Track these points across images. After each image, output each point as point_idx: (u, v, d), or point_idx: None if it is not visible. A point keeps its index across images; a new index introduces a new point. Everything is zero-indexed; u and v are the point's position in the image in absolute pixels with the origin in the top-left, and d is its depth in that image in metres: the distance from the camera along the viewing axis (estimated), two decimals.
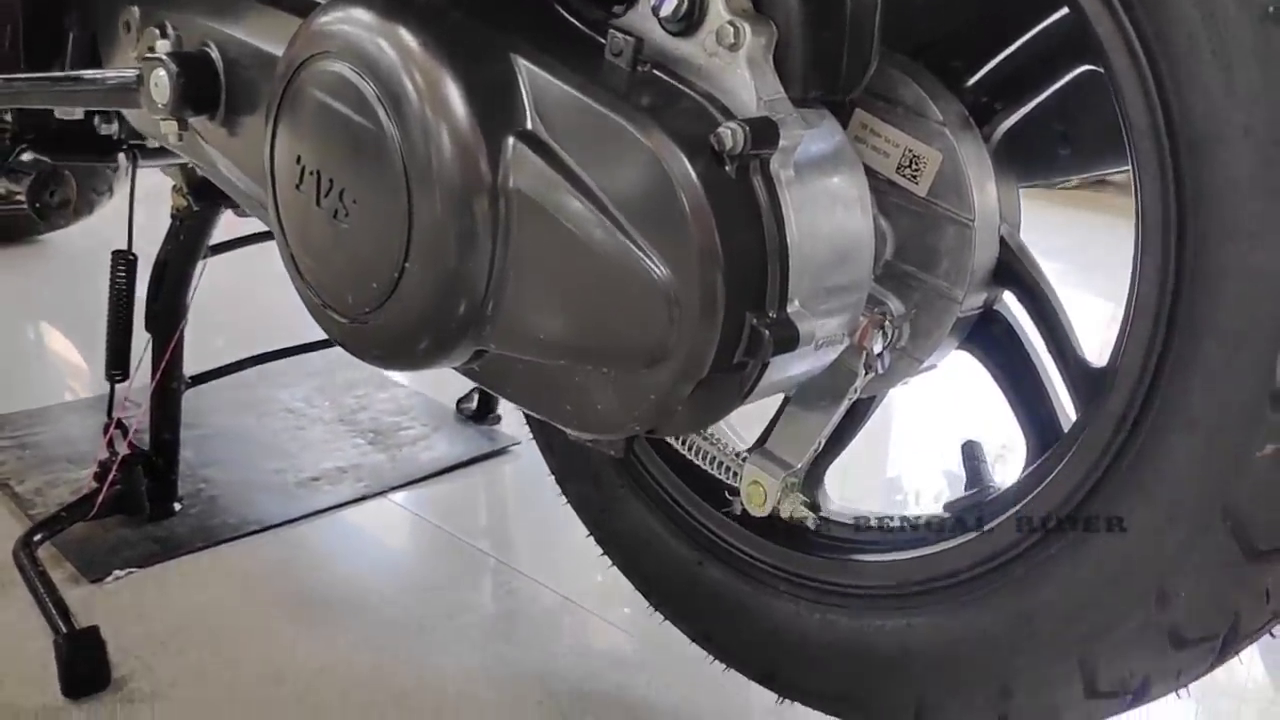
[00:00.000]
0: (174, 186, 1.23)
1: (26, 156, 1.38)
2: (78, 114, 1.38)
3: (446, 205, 0.69)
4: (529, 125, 0.69)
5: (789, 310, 0.68)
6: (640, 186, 0.66)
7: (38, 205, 1.21)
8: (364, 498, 1.44)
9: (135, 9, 0.98)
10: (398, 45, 0.71)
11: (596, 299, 0.69)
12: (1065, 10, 0.75)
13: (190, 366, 1.35)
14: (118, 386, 1.28)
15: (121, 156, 1.19)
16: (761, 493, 0.83)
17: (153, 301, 1.25)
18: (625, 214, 0.67)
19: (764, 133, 0.66)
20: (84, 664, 1.03)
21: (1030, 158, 0.92)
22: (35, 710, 1.00)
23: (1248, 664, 1.08)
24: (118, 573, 1.23)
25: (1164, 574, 0.68)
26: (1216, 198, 0.63)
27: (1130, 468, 0.70)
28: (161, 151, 1.19)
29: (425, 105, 0.68)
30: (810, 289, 0.70)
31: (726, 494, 0.90)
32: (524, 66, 0.71)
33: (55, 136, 1.37)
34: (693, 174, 0.65)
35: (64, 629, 1.03)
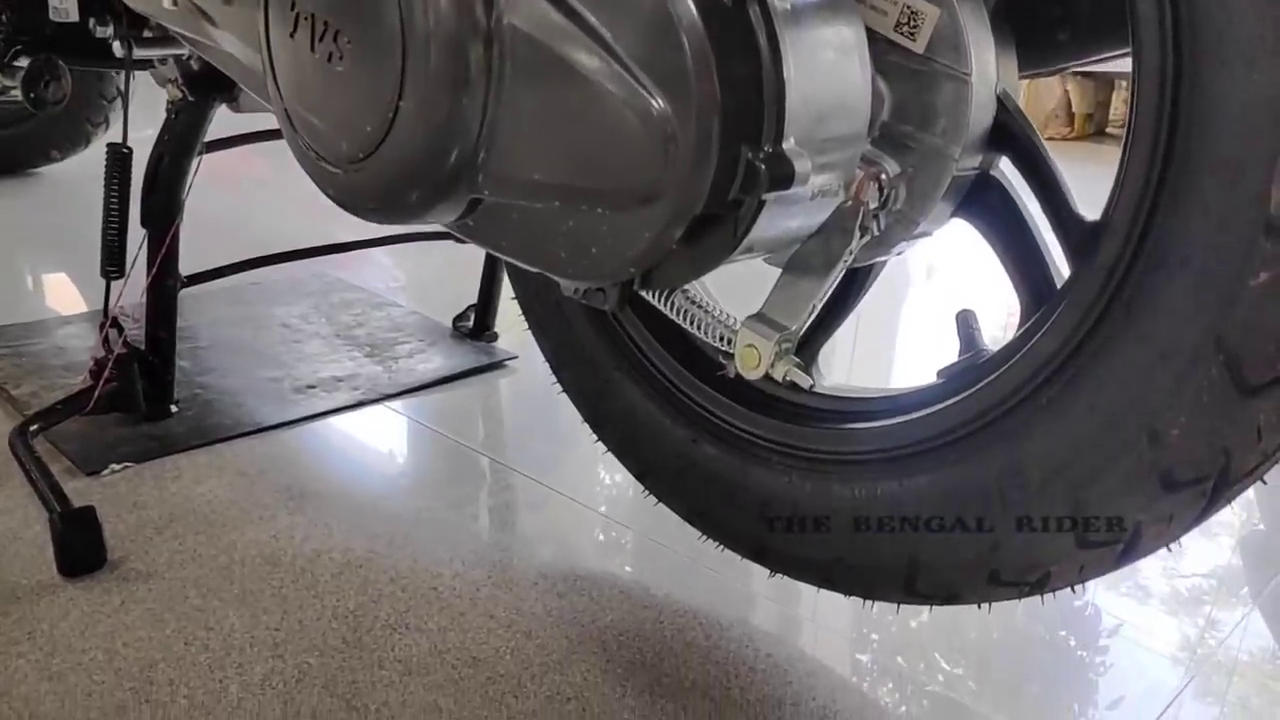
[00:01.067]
0: (169, 79, 1.22)
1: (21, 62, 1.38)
2: (73, 16, 1.37)
3: (440, 40, 0.68)
4: None
5: (785, 147, 0.68)
6: (636, 17, 0.66)
7: (33, 95, 1.19)
8: (360, 404, 1.44)
9: None
10: None
11: (592, 135, 0.68)
12: None
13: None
14: (113, 284, 1.27)
15: (116, 47, 1.18)
16: (756, 355, 0.82)
17: (148, 196, 1.24)
18: (621, 45, 0.66)
19: None
20: (79, 542, 1.03)
21: (1031, 42, 0.92)
22: (32, 588, 1.01)
23: (1241, 636, 1.08)
24: (114, 466, 1.23)
25: (1156, 413, 0.68)
26: (1212, 23, 0.62)
27: (1123, 312, 0.70)
28: (156, 41, 1.18)
29: None
30: (806, 129, 0.69)
31: (721, 359, 0.90)
32: None
33: (50, 38, 1.37)
34: (690, 3, 0.64)
35: (58, 509, 1.03)
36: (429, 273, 2.06)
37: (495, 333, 1.67)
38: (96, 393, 1.24)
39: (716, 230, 0.71)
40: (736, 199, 0.68)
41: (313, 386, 1.47)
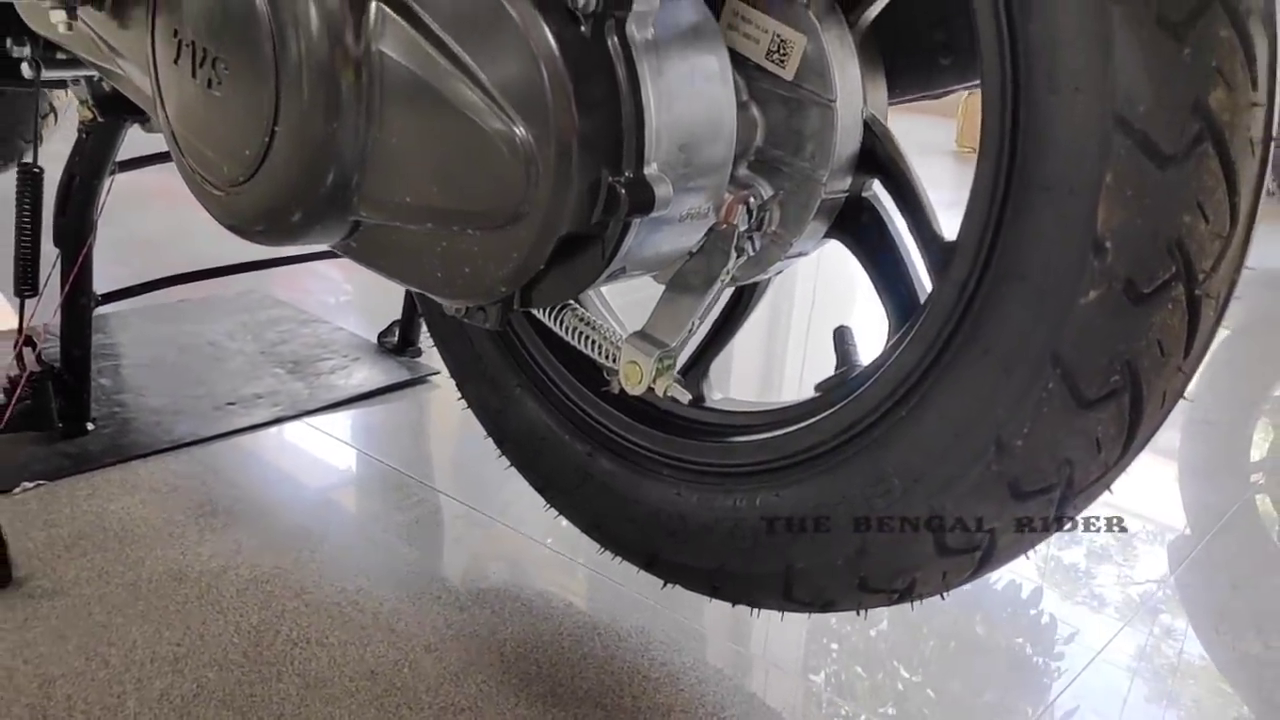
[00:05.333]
0: (80, 100, 1.24)
1: None
2: None
3: (311, 68, 0.71)
4: None
5: (646, 172, 0.71)
6: (498, 46, 0.68)
7: None
8: (279, 420, 1.45)
9: None
10: None
11: (460, 160, 0.71)
12: None
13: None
14: (27, 302, 1.28)
15: (25, 68, 1.19)
16: (638, 371, 0.85)
17: (60, 216, 1.25)
18: (485, 74, 0.69)
19: None
20: None
21: (914, 67, 0.95)
22: None
23: (1183, 641, 1.11)
24: (26, 484, 1.23)
25: (1002, 424, 0.72)
26: (1043, 53, 0.66)
27: (972, 326, 0.73)
28: (65, 64, 1.19)
29: None
30: (668, 155, 0.72)
31: (605, 374, 0.92)
32: None
33: None
34: (548, 33, 0.67)
35: None
36: (361, 287, 2.07)
37: (419, 348, 1.69)
38: (9, 411, 1.24)
39: (586, 251, 0.74)
40: (600, 221, 0.70)
41: (232, 404, 1.48)
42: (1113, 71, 0.63)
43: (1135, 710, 1.02)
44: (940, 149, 4.18)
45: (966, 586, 0.82)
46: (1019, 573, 1.22)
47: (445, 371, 1.61)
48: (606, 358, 0.92)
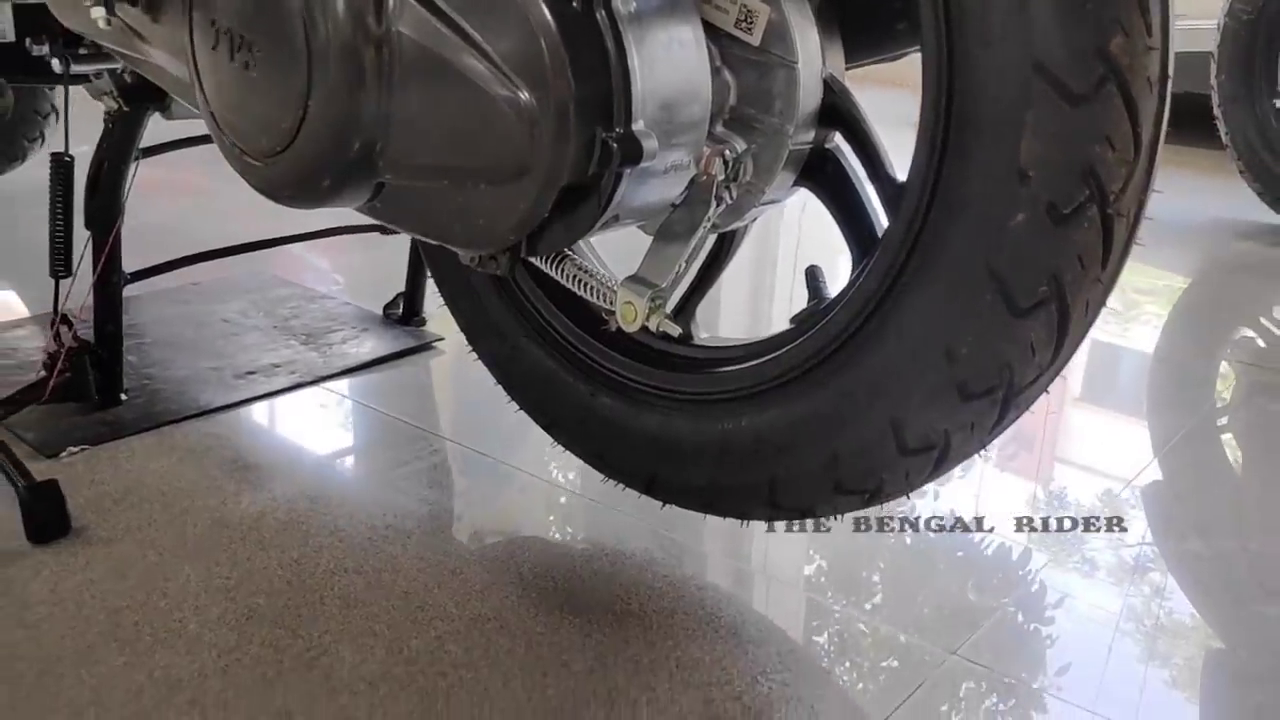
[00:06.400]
0: (105, 91, 1.33)
1: None
2: (9, 36, 1.48)
3: (339, 49, 0.81)
4: None
5: (634, 128, 0.82)
6: (502, 23, 0.79)
7: None
8: (298, 385, 1.56)
9: None
10: None
11: (470, 123, 0.82)
12: None
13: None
14: (61, 283, 1.38)
15: (55, 64, 1.29)
16: (633, 310, 0.96)
17: (90, 200, 1.35)
18: (491, 47, 0.80)
19: None
20: (45, 511, 1.14)
21: (871, 30, 1.06)
22: (3, 554, 1.12)
23: (1172, 597, 1.20)
24: (71, 449, 1.34)
25: (950, 336, 0.83)
26: (971, 13, 0.77)
27: (921, 254, 0.84)
28: (91, 57, 1.29)
29: None
30: (653, 113, 0.83)
31: (603, 315, 1.03)
32: None
33: None
34: (545, 11, 0.78)
35: (23, 482, 1.15)
36: (362, 267, 2.17)
37: (424, 318, 1.80)
38: (51, 383, 1.35)
39: (584, 201, 0.85)
40: (596, 173, 0.81)
41: (252, 373, 1.59)
42: (1030, 24, 0.74)
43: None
44: (905, 121, 4.27)
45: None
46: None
47: (449, 339, 1.73)
48: (604, 300, 1.03)
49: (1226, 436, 1.61)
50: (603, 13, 0.80)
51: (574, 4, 0.78)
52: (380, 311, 1.83)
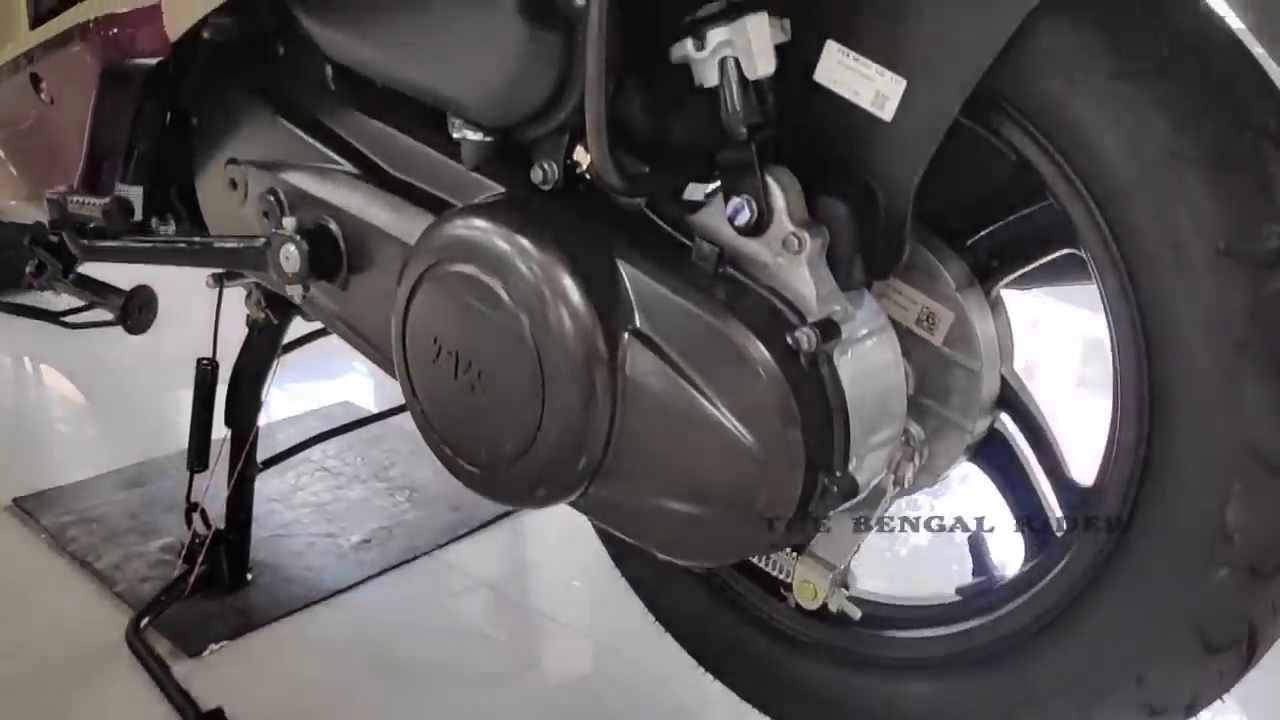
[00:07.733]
0: (249, 298, 1.37)
1: None
2: None
3: (574, 392, 0.86)
4: (638, 323, 0.86)
5: (850, 469, 0.86)
6: (733, 376, 0.83)
7: (129, 322, 1.33)
8: (414, 558, 1.60)
9: (248, 169, 1.12)
10: (525, 254, 0.87)
11: (693, 460, 0.86)
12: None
13: None
14: (197, 476, 1.42)
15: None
16: (812, 590, 1.00)
17: (232, 400, 1.39)
18: (720, 397, 0.84)
19: (830, 331, 0.83)
20: None
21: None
22: None
23: None
24: (213, 646, 1.37)
25: (1140, 664, 0.88)
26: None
27: (1110, 574, 0.89)
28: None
29: (559, 316, 0.85)
30: (865, 446, 0.88)
31: (782, 590, 1.07)
32: (625, 268, 0.88)
33: None
34: (776, 368, 0.82)
35: (192, 713, 1.18)
36: None
37: None
38: (193, 577, 1.39)
39: (796, 529, 0.89)
40: (815, 516, 0.86)
41: (367, 541, 1.63)
42: (1239, 407, 0.79)
43: None
44: None
45: None
46: None
47: None
48: (780, 571, 1.07)
49: None
50: (827, 369, 0.84)
51: (801, 361, 0.83)
52: None
